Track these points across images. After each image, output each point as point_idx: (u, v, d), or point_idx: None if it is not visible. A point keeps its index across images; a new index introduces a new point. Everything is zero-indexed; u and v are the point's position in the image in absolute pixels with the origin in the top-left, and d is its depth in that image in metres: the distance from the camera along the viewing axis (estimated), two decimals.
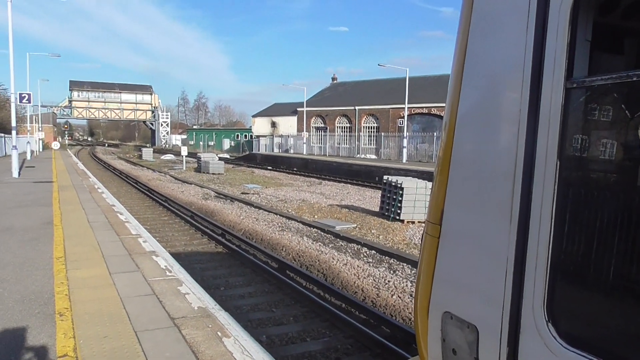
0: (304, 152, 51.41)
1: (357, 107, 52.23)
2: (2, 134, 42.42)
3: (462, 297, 2.07)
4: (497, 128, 1.93)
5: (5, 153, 40.81)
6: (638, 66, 1.92)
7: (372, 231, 13.56)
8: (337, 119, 55.00)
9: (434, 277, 2.21)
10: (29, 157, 37.59)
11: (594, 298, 1.72)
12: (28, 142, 40.73)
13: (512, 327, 1.78)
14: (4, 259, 7.45)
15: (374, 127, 50.91)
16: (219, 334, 4.73)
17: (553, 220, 1.67)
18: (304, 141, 52.86)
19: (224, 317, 5.22)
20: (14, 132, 23.47)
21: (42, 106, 67.11)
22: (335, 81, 65.37)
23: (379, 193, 17.90)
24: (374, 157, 46.34)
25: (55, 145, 54.73)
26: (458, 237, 2.12)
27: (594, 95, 1.70)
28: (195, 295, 5.90)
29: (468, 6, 2.07)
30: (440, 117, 41.44)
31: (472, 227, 2.05)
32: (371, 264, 10.00)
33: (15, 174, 21.54)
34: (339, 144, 52.67)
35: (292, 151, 55.84)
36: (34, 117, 56.40)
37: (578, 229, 1.70)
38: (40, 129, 56.69)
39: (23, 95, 24.20)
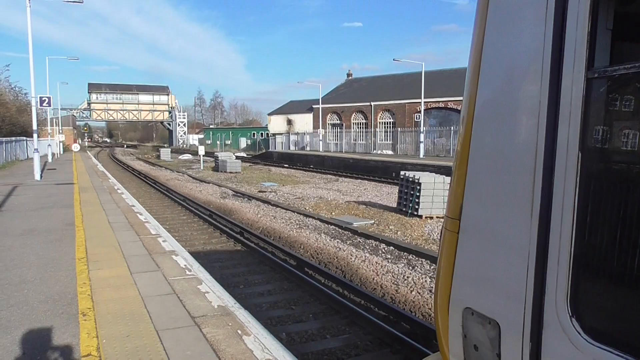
0: (320, 149, 51.41)
1: (372, 103, 52.03)
2: (24, 138, 43.21)
3: (482, 292, 2.04)
4: (516, 121, 1.89)
5: (28, 156, 41.60)
6: None
7: (390, 227, 13.50)
8: (353, 115, 54.87)
9: (453, 273, 2.19)
10: (50, 160, 38.26)
11: (620, 292, 1.68)
12: (49, 145, 41.45)
13: (535, 322, 1.75)
14: (28, 260, 7.59)
15: (390, 122, 50.67)
16: (239, 332, 4.76)
17: (575, 213, 1.63)
18: (320, 138, 52.85)
19: (243, 315, 5.25)
20: (35, 136, 23.89)
21: (61, 109, 68.18)
22: (350, 77, 65.18)
23: (396, 189, 17.81)
24: (390, 152, 46.14)
25: (76, 147, 55.58)
26: (478, 232, 2.09)
27: (616, 85, 1.65)
28: (215, 294, 5.94)
29: (483, 2, 2.03)
30: (457, 111, 41.08)
31: (491, 222, 2.01)
32: (390, 260, 9.96)
33: (37, 176, 21.93)
34: (355, 140, 52.54)
35: (308, 148, 55.89)
36: (54, 120, 57.37)
37: (601, 221, 1.66)
38: (60, 131, 57.59)
39: (43, 98, 24.64)
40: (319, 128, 54.87)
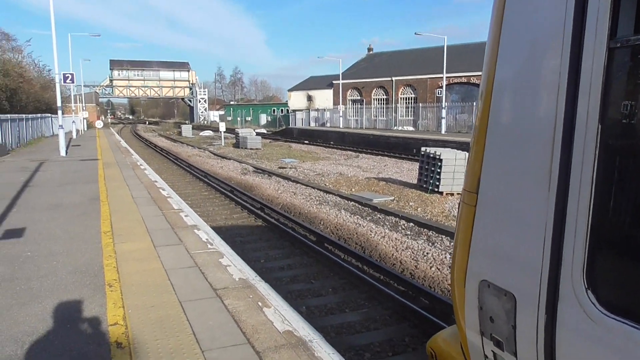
0: (341, 126, 51.18)
1: (393, 78, 51.37)
2: (49, 114, 43.98)
3: (499, 265, 2.06)
4: (535, 94, 1.86)
5: (53, 132, 42.38)
6: None
7: (410, 204, 13.48)
8: (374, 91, 54.32)
9: (470, 246, 2.21)
10: (74, 136, 38.95)
11: (636, 265, 1.67)
12: (73, 122, 42.16)
13: (550, 295, 1.77)
14: (56, 233, 7.82)
15: (411, 98, 50.05)
16: (260, 304, 4.86)
17: (593, 186, 1.63)
18: (340, 114, 52.57)
19: (264, 287, 5.35)
20: (60, 112, 24.30)
21: (84, 86, 69.05)
22: (370, 52, 64.31)
23: (417, 165, 17.71)
24: (411, 128, 45.70)
25: (99, 124, 56.48)
26: (495, 205, 2.10)
27: (637, 54, 1.59)
28: (236, 267, 6.05)
29: None
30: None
31: (509, 195, 2.02)
32: (409, 237, 9.98)
33: (62, 152, 22.39)
34: (376, 116, 52.12)
35: (328, 125, 55.69)
36: (77, 96, 58.17)
37: (619, 195, 1.65)
38: (84, 108, 58.44)
39: (67, 75, 24.98)
40: (339, 104, 54.52)
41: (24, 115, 31.66)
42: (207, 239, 7.42)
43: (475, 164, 2.19)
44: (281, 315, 4.61)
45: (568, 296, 1.72)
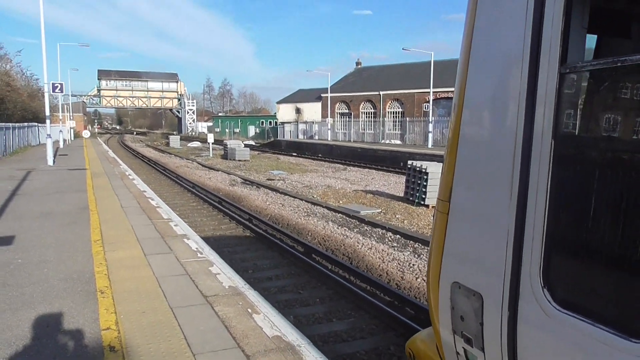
0: (329, 138, 51.51)
1: (381, 92, 51.96)
2: (36, 123, 43.69)
3: (468, 268, 2.25)
4: (499, 112, 2.08)
5: (39, 142, 42.07)
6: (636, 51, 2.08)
7: (397, 216, 13.68)
8: (362, 105, 54.84)
9: (443, 251, 2.40)
10: (61, 146, 38.70)
11: (584, 266, 1.88)
12: (60, 131, 41.86)
13: (512, 293, 1.96)
14: (47, 241, 7.87)
15: (398, 112, 50.62)
16: (249, 310, 4.99)
17: (548, 195, 1.83)
18: (329, 127, 52.94)
19: (253, 295, 5.48)
20: (48, 121, 24.25)
21: (72, 95, 68.67)
22: (359, 66, 65.03)
23: (403, 178, 17.95)
24: (399, 142, 46.16)
25: (86, 133, 56.16)
26: (464, 212, 2.30)
27: (586, 79, 1.86)
28: (226, 275, 6.17)
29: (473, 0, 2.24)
30: None
31: (477, 203, 2.23)
32: (396, 248, 10.16)
33: (50, 161, 22.30)
34: (364, 129, 52.57)
35: (316, 137, 55.99)
36: (65, 106, 57.82)
37: (571, 202, 1.87)
38: (71, 118, 58.12)
39: (56, 85, 24.96)
40: (327, 117, 54.91)
41: (10, 124, 31.46)
42: (196, 248, 7.53)
43: (448, 174, 2.41)
44: (270, 321, 4.74)
45: (527, 294, 1.90)
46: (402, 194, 16.73)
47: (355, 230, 11.81)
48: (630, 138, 2.00)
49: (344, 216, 13.54)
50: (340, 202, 16.17)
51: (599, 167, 1.87)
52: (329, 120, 54.05)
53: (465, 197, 2.31)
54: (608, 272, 1.82)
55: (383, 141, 47.94)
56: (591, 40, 2.31)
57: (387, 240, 10.90)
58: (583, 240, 1.88)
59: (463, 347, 2.32)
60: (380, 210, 14.50)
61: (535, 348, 1.89)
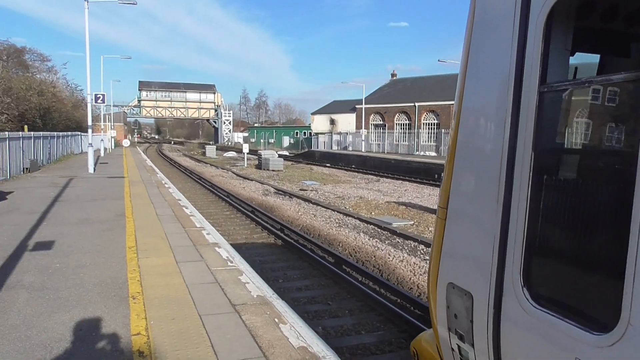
0: (362, 150, 51.41)
1: (416, 104, 51.59)
2: (79, 133, 45.32)
3: (462, 270, 2.46)
4: (489, 126, 2.30)
5: (82, 150, 43.58)
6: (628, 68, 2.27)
7: (430, 228, 13.49)
8: (396, 116, 54.57)
9: (441, 254, 2.62)
10: (102, 154, 39.98)
11: (556, 267, 2.09)
12: (102, 140, 43.31)
13: (498, 292, 2.16)
14: (84, 247, 8.11)
15: (434, 123, 50.11)
16: (276, 320, 5.00)
17: (528, 203, 2.01)
18: (363, 138, 52.86)
19: (281, 305, 5.49)
20: (90, 131, 25.14)
21: (113, 105, 71.00)
22: (394, 77, 64.81)
23: (437, 190, 17.72)
24: (433, 154, 45.63)
25: (126, 142, 57.85)
26: (459, 218, 2.52)
27: (562, 98, 2.06)
28: (255, 285, 6.21)
29: (470, 21, 2.48)
30: None
31: (469, 209, 2.45)
32: (428, 261, 10.00)
33: (91, 169, 23.06)
34: (398, 141, 52.24)
35: (350, 148, 55.99)
36: (106, 116, 59.82)
37: (546, 210, 2.04)
38: (112, 127, 60.06)
39: (98, 95, 25.87)
40: (361, 128, 54.88)
41: (55, 133, 32.75)
42: (227, 257, 7.61)
43: (446, 182, 2.62)
44: (297, 331, 4.74)
45: (510, 293, 2.09)
46: (435, 207, 16.50)
47: (386, 242, 11.70)
48: (598, 152, 2.25)
49: (376, 228, 13.45)
50: (373, 213, 16.08)
51: (570, 178, 2.13)
52: (363, 131, 53.99)
53: (460, 203, 2.52)
54: (574, 273, 2.02)
55: (417, 153, 47.49)
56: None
57: (419, 253, 10.76)
58: (554, 244, 2.08)
59: (457, 344, 2.51)
60: (412, 222, 14.34)
61: (516, 341, 2.08)
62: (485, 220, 2.24)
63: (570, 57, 2.20)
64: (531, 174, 1.99)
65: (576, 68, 2.33)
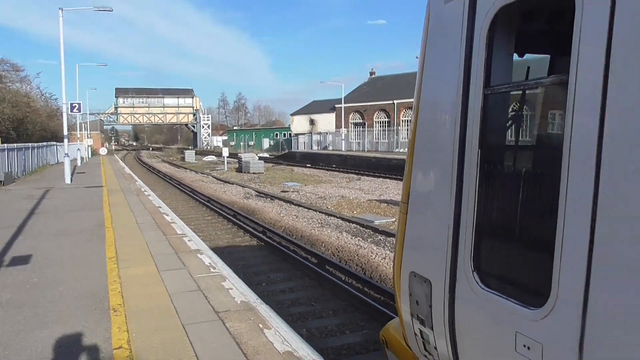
0: (343, 149, 51.52)
1: (395, 101, 51.90)
2: (54, 143, 44.51)
3: (421, 259, 2.70)
4: (442, 124, 2.52)
5: (58, 160, 42.81)
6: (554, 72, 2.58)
7: None
8: (376, 114, 54.81)
9: (404, 246, 2.85)
10: (79, 164, 39.34)
11: (499, 252, 2.32)
12: (78, 149, 42.59)
13: (452, 278, 2.39)
14: (62, 259, 7.98)
15: None
16: (261, 325, 4.98)
17: (476, 195, 2.24)
18: (343, 137, 52.96)
19: (265, 310, 5.47)
20: (65, 141, 24.70)
21: (90, 114, 69.90)
22: (373, 76, 65.06)
23: None
24: None
25: (103, 151, 57.01)
26: (419, 211, 2.76)
27: (503, 99, 2.29)
28: (238, 290, 6.18)
29: (426, 25, 2.68)
30: None
31: (427, 203, 2.68)
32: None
33: (68, 180, 22.67)
34: (378, 139, 52.44)
35: (330, 148, 56.05)
36: (82, 124, 58.89)
37: (492, 201, 2.26)
38: (88, 136, 59.14)
39: (74, 105, 25.46)
40: (341, 127, 54.98)
41: (29, 144, 32.09)
42: (210, 263, 7.56)
43: (407, 178, 2.85)
44: (281, 336, 4.73)
45: (462, 277, 2.32)
46: None
47: (369, 240, 11.75)
48: (533, 147, 2.47)
49: (358, 226, 13.49)
50: (355, 212, 16.13)
51: (511, 172, 2.37)
52: (343, 130, 54.09)
53: (419, 197, 2.75)
54: (514, 256, 2.27)
55: (397, 150, 47.76)
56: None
57: None
58: (498, 232, 2.31)
59: (419, 328, 2.72)
60: (394, 219, 14.42)
61: (468, 322, 2.32)
62: (440, 212, 2.46)
63: (536, 57, 2.43)
64: (478, 169, 2.22)
65: (529, 67, 2.54)
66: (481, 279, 2.21)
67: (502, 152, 2.42)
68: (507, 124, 2.43)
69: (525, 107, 2.37)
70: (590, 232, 1.69)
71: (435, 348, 2.59)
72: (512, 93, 2.32)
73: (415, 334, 2.78)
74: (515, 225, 2.25)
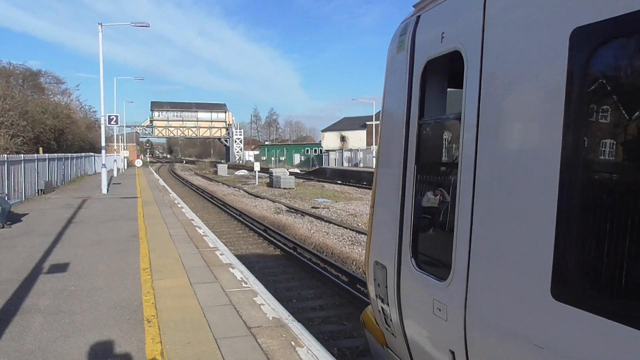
0: (374, 166, 51.32)
1: None
2: (92, 153, 45.81)
3: (381, 250, 3.42)
4: (394, 144, 3.27)
5: (95, 171, 43.98)
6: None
7: None
8: None
9: (371, 241, 3.61)
10: (115, 175, 40.32)
11: (426, 241, 3.04)
12: (115, 161, 43.72)
13: (399, 263, 3.12)
14: (98, 269, 8.12)
15: None
16: (293, 343, 4.93)
17: (413, 200, 3.00)
18: (374, 155, 52.77)
19: (297, 327, 5.42)
20: (103, 152, 25.38)
21: (126, 126, 71.74)
22: None
23: None
24: None
25: (138, 162, 58.36)
26: (379, 213, 3.54)
27: (431, 127, 3.03)
28: (270, 306, 6.15)
29: (386, 68, 3.54)
30: None
31: (385, 207, 3.41)
32: None
33: (104, 190, 23.23)
34: None
35: (361, 165, 55.92)
36: (119, 136, 60.49)
37: (422, 204, 3.02)
38: (125, 147, 60.63)
39: (111, 117, 26.13)
40: (372, 144, 54.82)
41: (69, 155, 33.12)
42: (241, 278, 7.57)
43: (373, 188, 3.65)
44: (314, 355, 4.66)
45: (405, 263, 3.05)
46: None
47: None
48: (447, 164, 3.10)
49: None
50: None
51: (434, 182, 3.06)
52: (374, 147, 53.92)
53: (379, 202, 3.54)
54: (434, 245, 3.01)
55: None
56: None
57: None
58: (426, 227, 3.08)
59: (381, 306, 3.42)
60: None
61: (408, 296, 3.06)
62: (392, 214, 3.20)
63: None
64: (414, 181, 3.01)
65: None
66: (416, 263, 2.95)
67: (430, 168, 3.10)
68: (434, 147, 3.12)
69: (444, 134, 3.07)
70: (470, 225, 2.39)
71: (391, 320, 3.30)
72: (435, 123, 3.01)
73: (379, 311, 3.51)
74: (435, 223, 3.02)
